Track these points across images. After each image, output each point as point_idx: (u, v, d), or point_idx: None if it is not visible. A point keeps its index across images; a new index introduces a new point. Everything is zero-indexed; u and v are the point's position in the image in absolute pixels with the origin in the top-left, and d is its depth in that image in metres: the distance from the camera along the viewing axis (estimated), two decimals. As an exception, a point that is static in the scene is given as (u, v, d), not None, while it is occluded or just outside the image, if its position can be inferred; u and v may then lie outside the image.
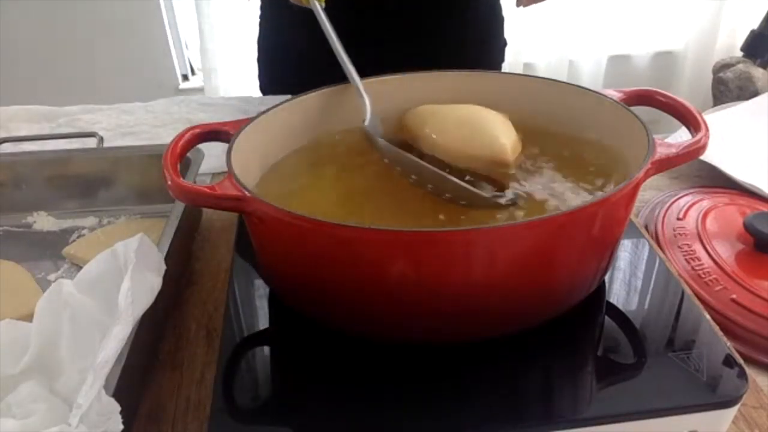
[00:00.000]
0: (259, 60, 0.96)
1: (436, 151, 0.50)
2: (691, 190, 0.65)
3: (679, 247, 0.55)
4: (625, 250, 0.50)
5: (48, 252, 0.59)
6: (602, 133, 0.49)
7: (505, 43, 0.97)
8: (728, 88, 0.87)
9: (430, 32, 0.84)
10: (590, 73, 2.09)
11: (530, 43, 2.00)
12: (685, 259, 0.54)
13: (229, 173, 0.40)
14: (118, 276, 0.40)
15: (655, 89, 0.49)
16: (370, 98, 0.51)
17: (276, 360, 0.42)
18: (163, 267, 0.42)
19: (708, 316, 0.43)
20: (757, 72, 0.85)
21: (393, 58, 0.65)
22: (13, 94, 1.22)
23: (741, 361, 0.39)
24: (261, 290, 0.47)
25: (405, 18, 0.83)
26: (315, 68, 0.64)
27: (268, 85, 0.96)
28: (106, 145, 0.70)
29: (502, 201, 0.44)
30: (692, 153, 0.42)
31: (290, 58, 0.89)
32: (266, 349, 0.43)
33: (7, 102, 0.90)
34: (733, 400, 0.37)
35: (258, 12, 0.93)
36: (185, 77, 2.07)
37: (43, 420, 0.34)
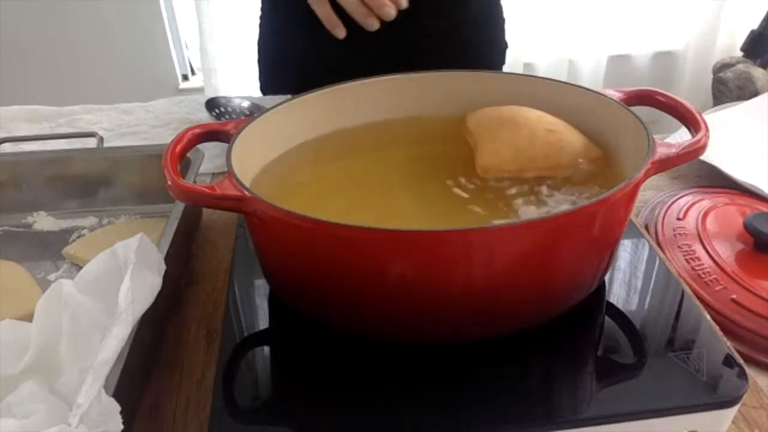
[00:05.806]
0: (259, 61, 0.96)
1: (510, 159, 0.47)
2: (691, 190, 0.65)
3: (679, 247, 0.55)
4: (625, 250, 0.50)
5: (48, 252, 0.58)
6: (602, 133, 0.49)
7: (505, 46, 0.96)
8: (728, 88, 0.87)
9: (426, 32, 0.84)
10: (590, 73, 2.09)
11: (530, 43, 2.00)
12: (685, 259, 0.54)
13: (229, 173, 0.40)
14: (118, 276, 0.40)
15: (655, 89, 0.49)
16: None
17: (276, 360, 0.42)
18: (163, 267, 0.42)
19: (708, 316, 0.43)
20: (757, 72, 0.85)
21: (388, 59, 0.65)
22: (13, 94, 1.23)
23: (741, 361, 0.39)
24: (261, 290, 0.46)
25: (398, 18, 0.83)
26: (314, 70, 0.64)
27: (268, 87, 0.96)
28: (106, 145, 0.70)
29: None
30: (692, 153, 0.42)
31: (289, 60, 0.89)
32: (266, 349, 0.43)
33: (7, 102, 0.90)
34: (733, 400, 0.37)
35: (257, 13, 0.93)
36: (185, 77, 2.07)
37: (43, 420, 0.34)
